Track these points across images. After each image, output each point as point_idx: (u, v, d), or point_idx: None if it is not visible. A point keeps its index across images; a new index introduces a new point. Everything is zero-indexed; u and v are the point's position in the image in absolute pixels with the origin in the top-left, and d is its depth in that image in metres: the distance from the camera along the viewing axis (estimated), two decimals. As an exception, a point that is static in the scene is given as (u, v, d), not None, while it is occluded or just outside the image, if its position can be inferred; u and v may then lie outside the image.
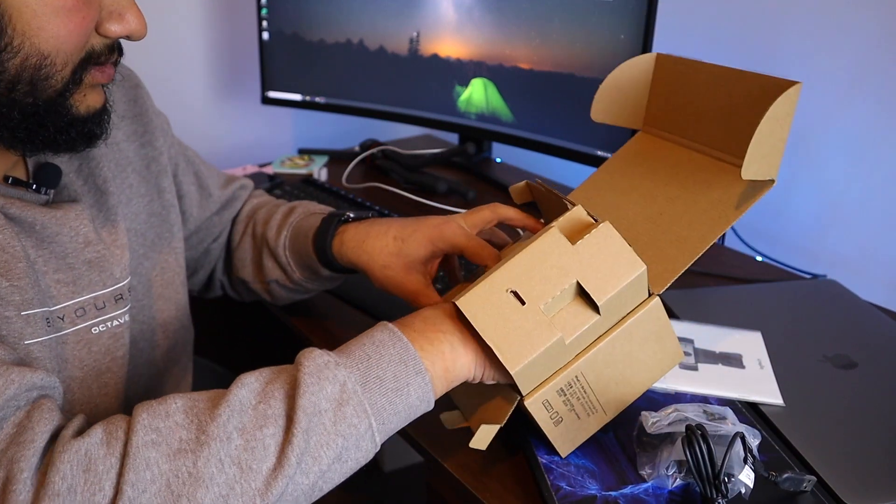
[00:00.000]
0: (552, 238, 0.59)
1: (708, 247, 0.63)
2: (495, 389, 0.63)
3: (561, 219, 0.61)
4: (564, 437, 0.64)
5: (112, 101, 0.64)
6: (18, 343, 0.58)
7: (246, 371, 0.55)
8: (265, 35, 1.39)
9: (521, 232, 0.76)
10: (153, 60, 1.39)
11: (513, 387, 0.60)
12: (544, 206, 0.76)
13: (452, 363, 0.57)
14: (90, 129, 0.61)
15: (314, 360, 0.54)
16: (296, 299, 0.90)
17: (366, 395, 0.53)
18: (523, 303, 0.58)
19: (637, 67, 0.76)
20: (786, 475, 0.60)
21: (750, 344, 0.80)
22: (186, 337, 0.83)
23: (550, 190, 0.69)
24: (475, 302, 0.58)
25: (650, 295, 0.63)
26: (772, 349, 0.79)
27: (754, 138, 0.60)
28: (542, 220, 0.74)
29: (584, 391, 0.62)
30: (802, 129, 1.14)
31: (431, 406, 0.57)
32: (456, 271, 0.78)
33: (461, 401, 0.68)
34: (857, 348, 0.80)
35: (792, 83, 0.60)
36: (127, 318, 0.69)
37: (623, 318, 0.62)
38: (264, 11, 1.37)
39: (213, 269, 0.92)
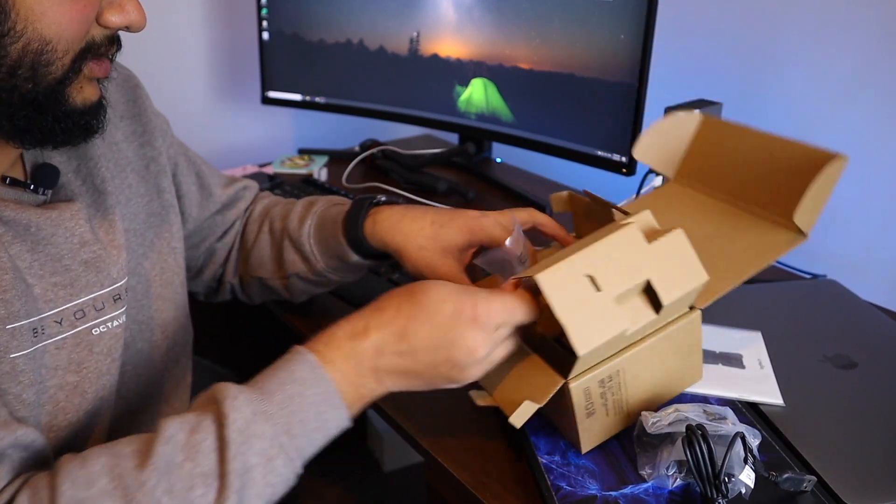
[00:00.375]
0: (632, 233, 0.60)
1: (748, 277, 0.66)
2: (532, 368, 0.64)
3: (634, 217, 0.63)
4: (590, 430, 0.65)
5: (108, 96, 0.64)
6: (3, 357, 0.57)
7: (246, 371, 0.54)
8: (265, 35, 1.39)
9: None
10: (153, 60, 1.39)
11: (556, 368, 0.61)
12: (580, 217, 0.78)
13: (370, 399, 0.59)
14: (87, 122, 0.61)
15: (239, 412, 0.53)
16: (314, 293, 0.89)
17: (292, 442, 0.54)
18: (598, 289, 0.58)
19: (682, 122, 0.79)
20: (786, 475, 0.60)
21: (750, 344, 0.80)
22: (186, 337, 0.82)
23: (598, 199, 0.72)
24: (554, 279, 0.57)
25: (691, 308, 0.64)
26: (772, 349, 0.79)
27: (807, 192, 0.65)
28: (573, 234, 0.77)
29: (620, 388, 0.63)
30: (802, 128, 1.14)
31: (347, 427, 0.58)
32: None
33: (485, 378, 0.67)
34: (857, 348, 0.80)
35: (836, 155, 0.65)
36: (125, 318, 0.69)
37: (665, 325, 0.63)
38: (264, 11, 1.37)
39: (223, 271, 0.91)
